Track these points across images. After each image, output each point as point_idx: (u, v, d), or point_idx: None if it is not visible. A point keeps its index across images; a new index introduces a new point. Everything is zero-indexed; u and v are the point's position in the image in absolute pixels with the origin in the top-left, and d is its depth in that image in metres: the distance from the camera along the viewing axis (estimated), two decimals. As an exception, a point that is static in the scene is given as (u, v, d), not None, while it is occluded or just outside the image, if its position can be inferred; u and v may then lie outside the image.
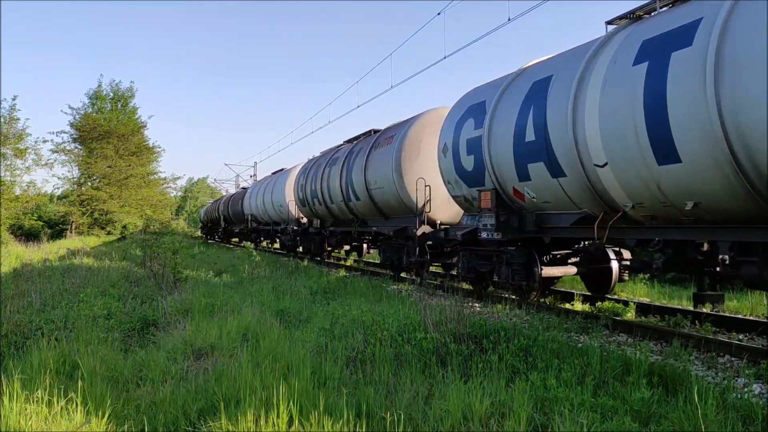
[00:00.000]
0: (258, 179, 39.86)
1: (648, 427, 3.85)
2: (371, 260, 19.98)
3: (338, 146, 18.15)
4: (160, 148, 47.84)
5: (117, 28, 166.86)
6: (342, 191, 15.42)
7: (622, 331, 7.42)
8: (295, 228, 21.72)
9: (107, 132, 39.52)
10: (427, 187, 11.91)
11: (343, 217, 16.41)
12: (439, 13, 14.66)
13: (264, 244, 31.15)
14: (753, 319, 7.72)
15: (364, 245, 18.45)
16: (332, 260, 20.88)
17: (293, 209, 21.80)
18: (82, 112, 40.77)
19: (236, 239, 39.52)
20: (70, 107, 51.46)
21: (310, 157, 21.21)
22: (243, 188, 38.34)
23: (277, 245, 29.41)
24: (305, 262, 18.17)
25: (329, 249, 19.29)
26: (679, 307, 8.70)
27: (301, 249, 22.37)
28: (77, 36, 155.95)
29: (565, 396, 4.13)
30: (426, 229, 11.83)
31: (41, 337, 6.38)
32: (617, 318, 8.06)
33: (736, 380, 5.17)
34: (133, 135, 41.84)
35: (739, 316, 8.03)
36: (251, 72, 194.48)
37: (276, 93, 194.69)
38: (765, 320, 7.64)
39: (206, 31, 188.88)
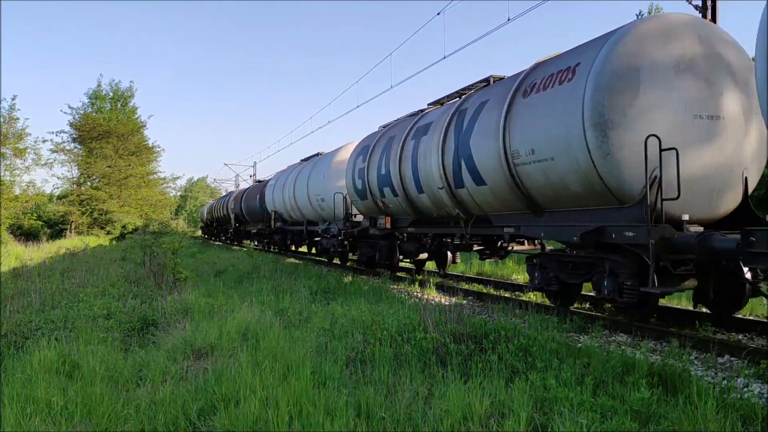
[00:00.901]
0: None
1: (647, 427, 3.86)
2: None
3: (420, 111, 12.75)
4: (159, 147, 47.85)
5: (117, 28, 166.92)
6: (444, 172, 9.91)
7: (621, 331, 7.43)
8: (346, 229, 15.78)
9: (107, 132, 39.52)
10: (667, 153, 6.52)
11: (440, 213, 10.98)
12: (438, 13, 14.69)
13: (294, 248, 24.91)
14: (752, 319, 7.72)
15: (449, 253, 13.60)
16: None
17: (342, 203, 16.27)
18: (81, 111, 40.78)
19: (249, 242, 33.38)
20: (69, 107, 51.43)
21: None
22: (259, 181, 31.83)
23: (304, 249, 23.92)
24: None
25: (401, 258, 13.79)
26: (679, 307, 8.71)
27: (355, 257, 16.58)
28: (77, 36, 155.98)
29: (565, 396, 4.14)
30: (667, 231, 6.48)
31: (41, 336, 6.39)
32: (617, 318, 8.06)
33: (736, 380, 5.17)
34: (132, 135, 41.84)
35: (739, 315, 8.04)
36: (251, 72, 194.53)
37: (275, 93, 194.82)
38: (764, 320, 7.65)
39: (206, 30, 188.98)
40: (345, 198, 15.92)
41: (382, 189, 12.87)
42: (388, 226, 13.19)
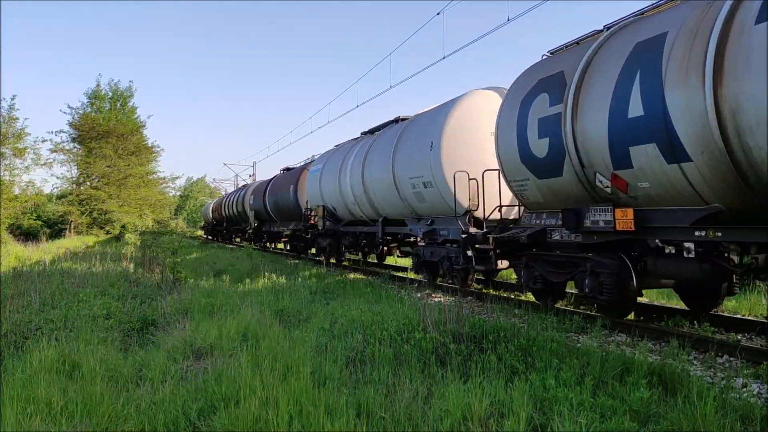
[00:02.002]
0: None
1: (647, 426, 3.86)
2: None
3: None
4: (159, 147, 47.88)
5: (116, 27, 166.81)
6: None
7: (620, 331, 7.43)
8: (496, 231, 9.35)
9: (106, 132, 39.56)
10: None
11: None
12: (438, 13, 14.65)
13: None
14: (752, 319, 7.73)
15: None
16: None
17: (469, 188, 10.16)
18: (80, 111, 40.81)
19: (264, 244, 27.94)
20: (69, 107, 51.41)
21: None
22: (287, 168, 24.96)
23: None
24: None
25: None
26: (678, 307, 8.71)
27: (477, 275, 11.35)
28: (76, 35, 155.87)
29: (565, 396, 4.15)
30: None
31: (41, 336, 6.39)
32: (615, 318, 8.06)
33: (735, 380, 5.18)
34: (132, 135, 41.89)
35: (738, 315, 8.05)
36: (250, 72, 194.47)
37: (275, 93, 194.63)
38: (764, 320, 7.66)
39: (204, 31, 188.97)
40: (480, 180, 9.80)
41: (626, 150, 6.49)
42: (626, 225, 6.83)
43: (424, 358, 5.33)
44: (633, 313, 8.14)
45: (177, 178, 60.37)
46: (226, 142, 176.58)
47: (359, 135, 16.34)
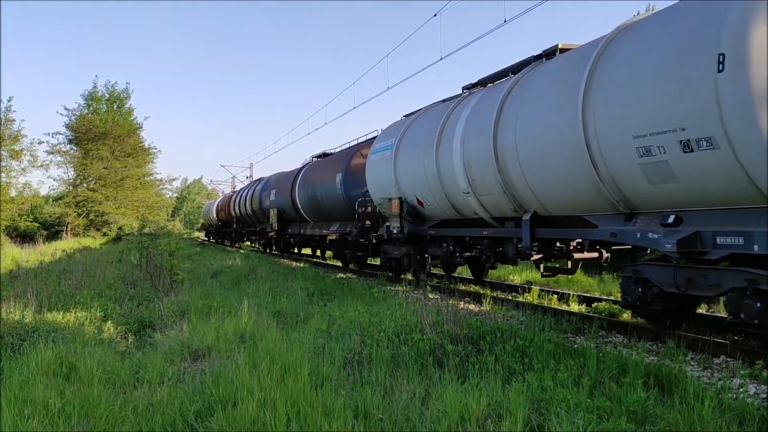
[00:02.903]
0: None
1: (644, 427, 3.87)
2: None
3: None
4: (156, 149, 47.65)
5: (115, 27, 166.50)
6: None
7: (617, 332, 7.45)
8: None
9: (103, 133, 39.46)
10: None
11: None
12: (435, 15, 14.67)
13: None
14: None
15: None
16: None
17: None
18: (77, 113, 40.71)
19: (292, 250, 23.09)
20: (65, 108, 51.18)
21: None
22: (324, 155, 19.97)
23: None
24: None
25: None
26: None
27: None
28: (73, 35, 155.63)
29: (562, 397, 4.15)
30: None
31: (38, 338, 6.38)
32: (613, 319, 8.08)
33: (732, 380, 5.20)
34: (128, 136, 41.77)
35: (735, 316, 8.05)
36: (247, 73, 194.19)
37: (272, 95, 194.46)
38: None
39: (202, 31, 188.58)
40: None
41: None
42: None
43: (421, 359, 5.34)
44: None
45: (174, 179, 60.19)
46: (224, 143, 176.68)
47: (461, 91, 10.93)
